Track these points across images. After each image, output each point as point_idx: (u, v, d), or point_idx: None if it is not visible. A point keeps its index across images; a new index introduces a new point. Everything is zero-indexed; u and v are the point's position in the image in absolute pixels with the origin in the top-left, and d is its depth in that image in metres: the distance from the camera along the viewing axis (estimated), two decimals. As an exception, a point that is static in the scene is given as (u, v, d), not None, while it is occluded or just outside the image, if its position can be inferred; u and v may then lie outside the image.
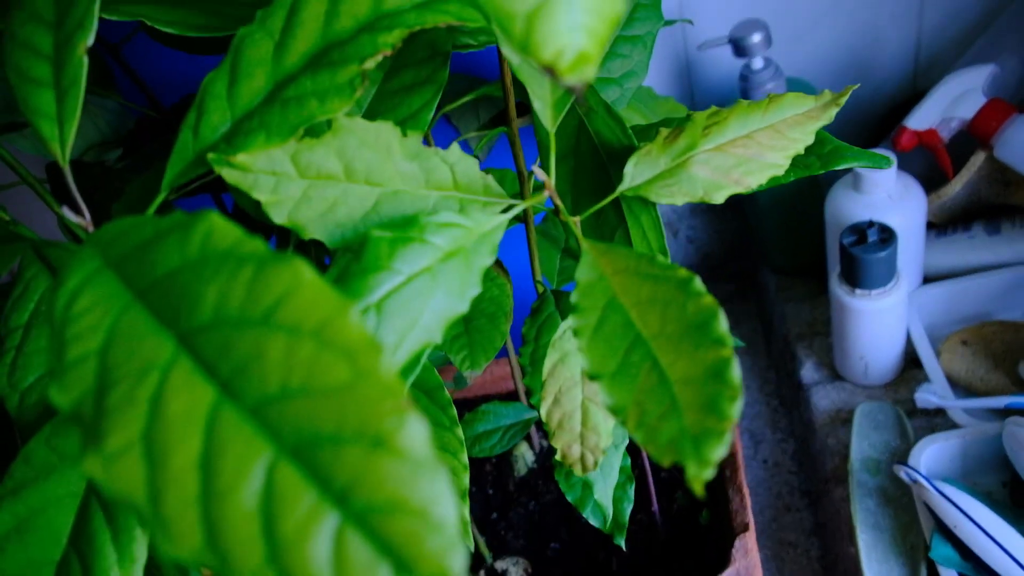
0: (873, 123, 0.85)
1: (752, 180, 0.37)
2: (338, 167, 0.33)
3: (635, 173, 0.37)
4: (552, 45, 0.20)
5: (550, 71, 0.21)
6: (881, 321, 0.68)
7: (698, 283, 0.30)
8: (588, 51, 0.21)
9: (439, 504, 0.16)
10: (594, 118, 0.39)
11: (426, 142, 0.56)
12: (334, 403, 0.17)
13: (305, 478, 0.16)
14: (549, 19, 0.20)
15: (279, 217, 0.32)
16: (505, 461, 0.69)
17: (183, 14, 0.37)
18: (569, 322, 0.31)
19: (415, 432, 0.17)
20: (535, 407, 0.41)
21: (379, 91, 0.39)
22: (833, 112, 0.38)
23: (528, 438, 0.70)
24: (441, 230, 0.32)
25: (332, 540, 0.16)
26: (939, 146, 0.70)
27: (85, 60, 0.30)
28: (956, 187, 0.71)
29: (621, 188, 0.37)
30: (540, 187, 0.37)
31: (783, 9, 0.77)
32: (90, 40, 0.30)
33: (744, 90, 0.74)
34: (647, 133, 0.40)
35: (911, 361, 0.73)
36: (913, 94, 0.82)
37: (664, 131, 0.37)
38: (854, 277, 0.66)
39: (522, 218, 0.48)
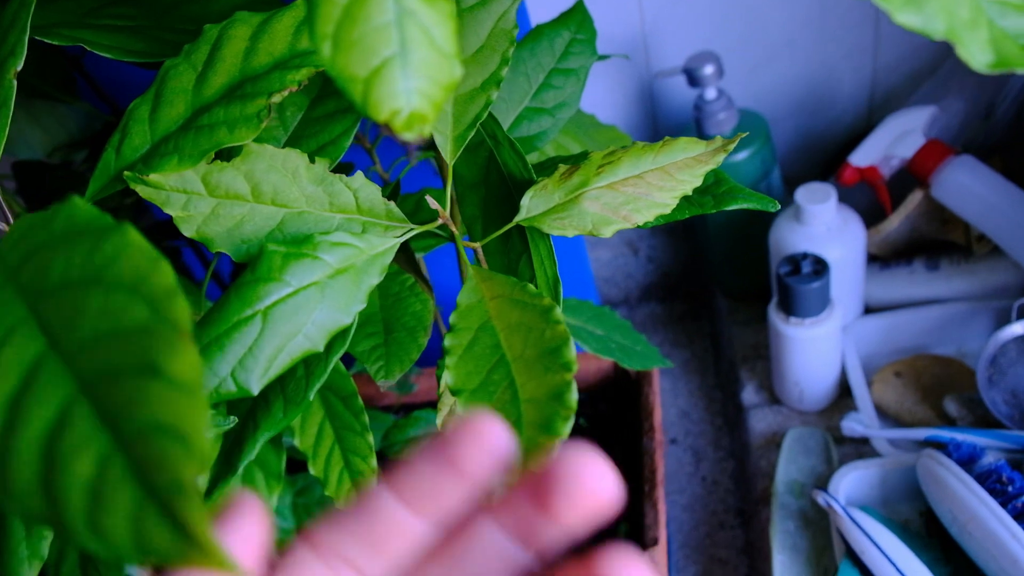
0: (829, 155, 0.88)
1: (639, 217, 0.39)
2: (246, 188, 0.36)
3: (531, 205, 0.40)
4: (387, 107, 0.23)
5: (387, 128, 0.24)
6: (814, 349, 0.71)
7: (557, 312, 0.33)
8: (422, 112, 0.24)
9: (192, 423, 0.18)
10: (501, 151, 0.42)
11: (370, 159, 0.59)
12: (130, 342, 0.19)
13: (90, 408, 0.19)
14: (384, 84, 0.23)
15: (188, 231, 0.36)
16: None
17: (122, 40, 0.40)
18: (446, 340, 0.34)
19: (184, 360, 0.18)
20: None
21: (304, 117, 0.42)
22: (721, 157, 0.41)
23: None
24: (333, 248, 0.35)
25: (97, 459, 0.18)
26: (879, 183, 0.73)
27: (14, 83, 0.33)
28: (893, 223, 0.73)
29: (517, 219, 0.40)
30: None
31: (742, 41, 0.80)
32: (19, 65, 0.33)
33: (697, 119, 0.76)
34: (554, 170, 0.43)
35: (847, 389, 0.76)
36: (868, 128, 0.84)
37: (562, 167, 0.40)
38: (788, 306, 0.69)
39: (451, 237, 0.51)
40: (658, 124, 0.87)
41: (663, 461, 0.64)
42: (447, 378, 0.33)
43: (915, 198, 0.72)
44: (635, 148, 0.41)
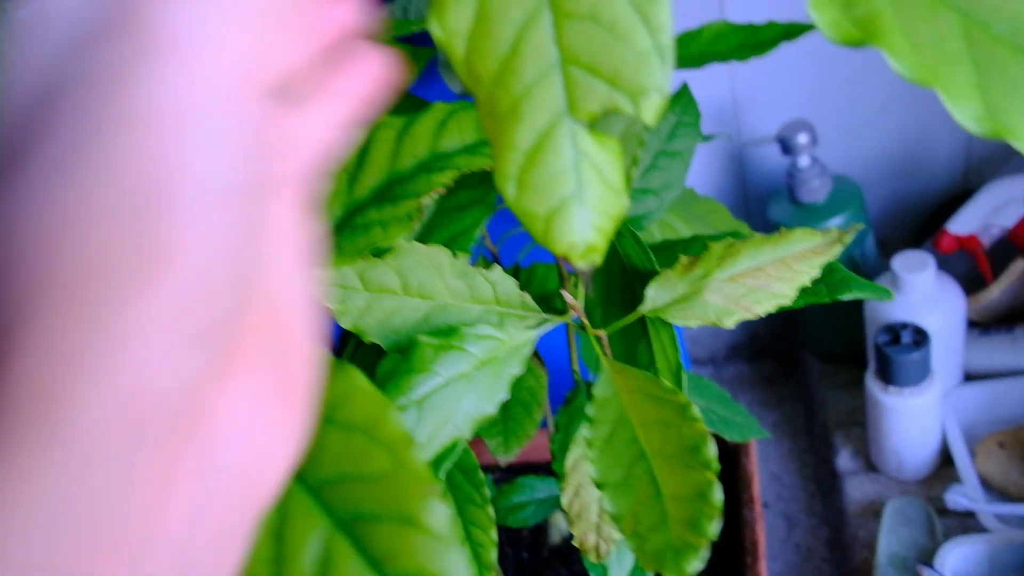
0: (922, 218, 0.87)
1: (760, 308, 0.41)
2: (396, 283, 0.39)
3: (656, 296, 0.42)
4: (565, 241, 0.25)
5: (564, 259, 0.26)
6: (913, 419, 0.70)
7: (694, 410, 0.34)
8: (596, 244, 0.26)
9: (456, 573, 0.20)
10: (623, 242, 0.44)
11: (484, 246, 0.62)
12: (377, 487, 0.22)
13: (353, 548, 0.21)
14: (563, 221, 0.25)
15: (346, 323, 0.39)
16: (542, 528, 0.73)
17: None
18: (585, 431, 0.36)
19: (439, 513, 0.21)
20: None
21: (438, 207, 0.45)
22: (838, 249, 0.42)
23: (565, 506, 0.74)
24: (478, 341, 0.38)
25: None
26: (979, 251, 0.72)
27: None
28: (995, 292, 0.72)
29: (642, 309, 0.42)
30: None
31: (834, 108, 0.81)
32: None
33: (790, 186, 0.77)
34: (669, 256, 0.45)
35: (948, 459, 0.74)
36: (964, 191, 0.84)
37: (684, 259, 0.42)
38: (887, 375, 0.68)
39: (582, 328, 0.53)
40: (748, 190, 0.88)
41: (764, 532, 0.64)
42: (591, 471, 0.34)
43: (1018, 267, 0.71)
44: (753, 240, 0.43)
